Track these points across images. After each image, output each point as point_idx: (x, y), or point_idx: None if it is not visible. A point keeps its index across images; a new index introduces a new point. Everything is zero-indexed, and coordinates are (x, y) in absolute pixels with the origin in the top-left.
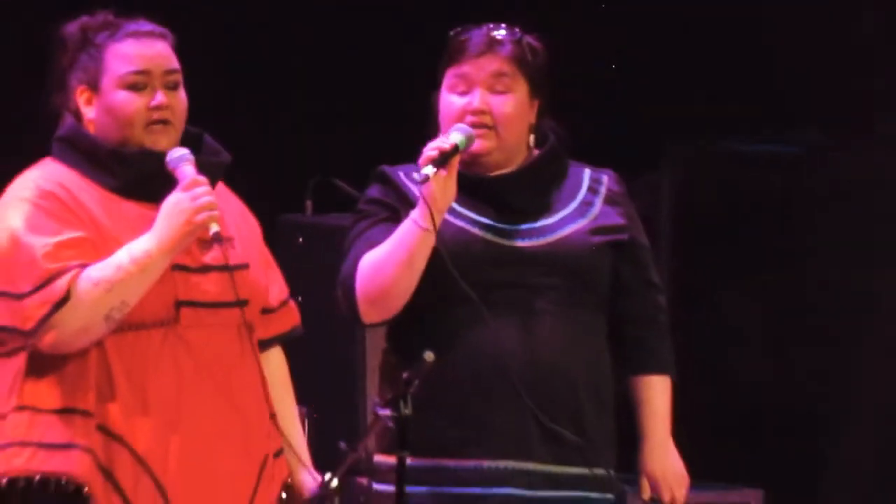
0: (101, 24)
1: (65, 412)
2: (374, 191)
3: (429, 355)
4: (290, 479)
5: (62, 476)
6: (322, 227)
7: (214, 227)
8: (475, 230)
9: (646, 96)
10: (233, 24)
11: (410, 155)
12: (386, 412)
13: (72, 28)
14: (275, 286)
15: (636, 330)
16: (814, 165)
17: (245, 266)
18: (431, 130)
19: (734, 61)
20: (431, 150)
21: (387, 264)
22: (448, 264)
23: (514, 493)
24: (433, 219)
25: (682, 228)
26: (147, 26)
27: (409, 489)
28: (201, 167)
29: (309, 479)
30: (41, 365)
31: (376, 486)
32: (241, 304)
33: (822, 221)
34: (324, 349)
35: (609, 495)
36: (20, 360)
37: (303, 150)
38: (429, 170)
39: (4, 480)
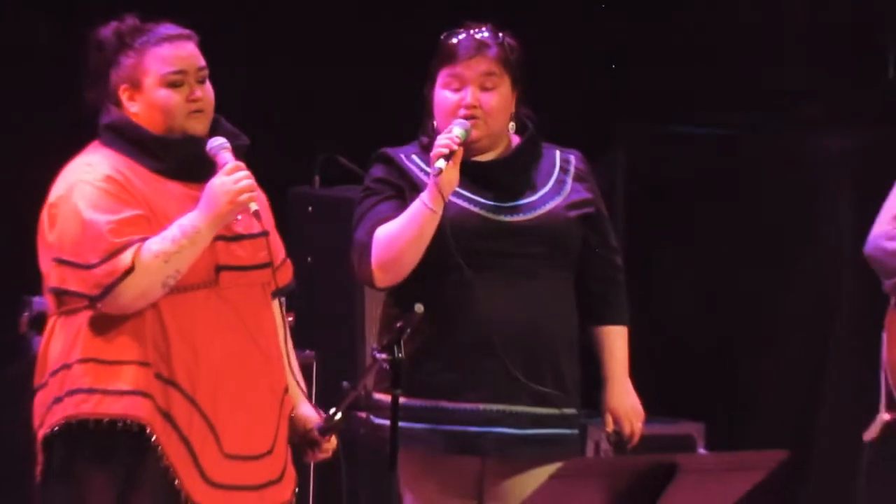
0: (134, 29)
1: (125, 363)
2: (378, 170)
3: (419, 307)
4: (293, 412)
5: (127, 418)
6: (329, 199)
7: (254, 206)
8: (473, 208)
9: (601, 83)
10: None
11: (405, 133)
12: (382, 356)
13: (106, 32)
14: (277, 245)
15: (599, 287)
16: (743, 144)
17: (266, 233)
18: (426, 120)
19: (679, 53)
20: (442, 146)
21: (399, 239)
22: (449, 238)
23: (506, 431)
24: (443, 202)
25: (634, 202)
26: (177, 30)
27: (412, 425)
28: (234, 152)
29: (310, 410)
30: (103, 323)
31: (376, 420)
32: (268, 265)
33: (748, 192)
34: (329, 302)
35: (575, 430)
36: (81, 318)
37: (311, 130)
38: (441, 163)
39: (72, 422)
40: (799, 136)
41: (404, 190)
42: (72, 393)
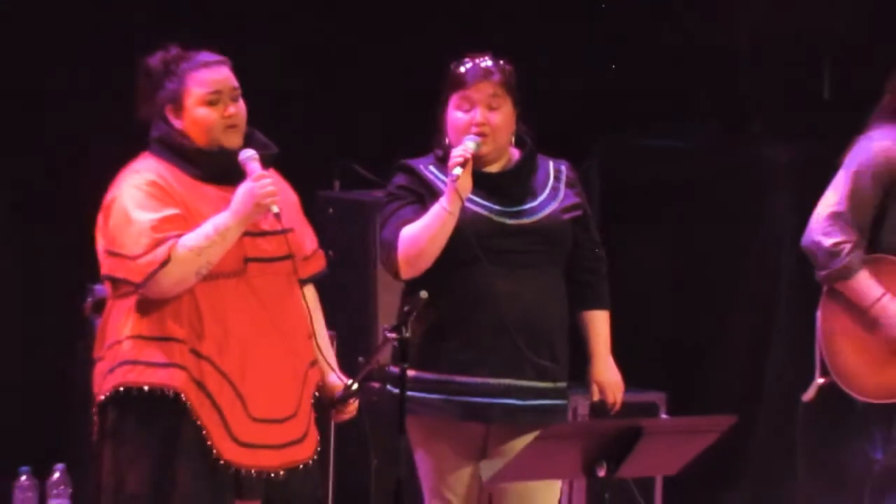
0: (177, 57)
1: (165, 340)
2: (400, 179)
3: (423, 293)
4: (321, 381)
5: (165, 387)
6: (346, 201)
7: (275, 209)
8: (484, 212)
9: (581, 102)
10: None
11: (416, 143)
12: (392, 335)
13: (154, 61)
14: (308, 239)
15: (585, 277)
16: (700, 154)
17: (290, 230)
18: (438, 136)
19: (646, 76)
20: (458, 157)
21: (422, 237)
22: (467, 235)
23: (511, 402)
24: (460, 205)
25: (609, 203)
26: (213, 56)
27: (428, 395)
28: (262, 161)
29: (336, 380)
30: (146, 306)
31: (394, 390)
32: (289, 257)
33: (704, 195)
34: (347, 289)
35: (566, 401)
36: (130, 302)
37: (332, 141)
38: (458, 171)
39: (122, 389)
40: (747, 148)
41: (424, 196)
42: (121, 364)
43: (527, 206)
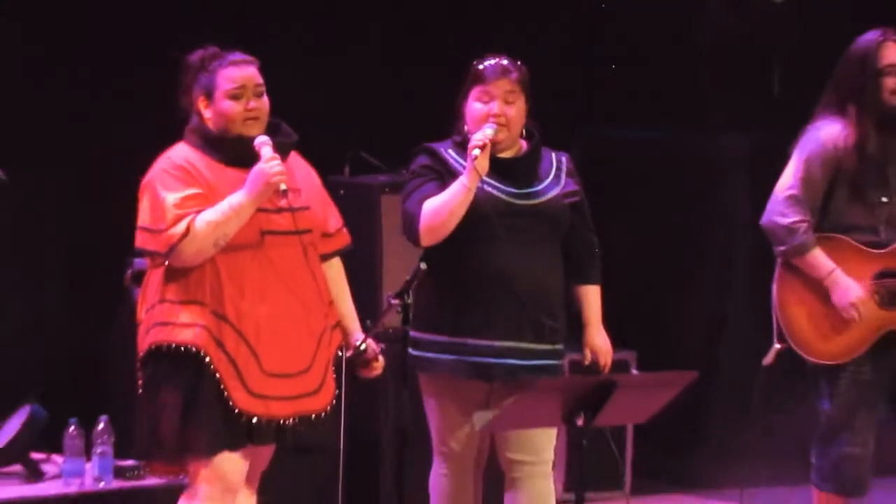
0: (212, 55)
1: (190, 303)
2: (423, 159)
3: (423, 265)
4: (343, 342)
5: (189, 344)
6: (355, 184)
7: (283, 186)
8: (496, 193)
9: (565, 95)
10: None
11: (421, 131)
12: (395, 301)
13: (194, 58)
14: (332, 218)
15: (580, 255)
16: (666, 144)
17: (306, 208)
18: (458, 123)
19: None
20: (478, 140)
21: (442, 210)
22: (482, 212)
23: (514, 362)
24: (477, 182)
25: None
26: (242, 56)
27: (441, 356)
28: (276, 147)
29: (356, 338)
30: (174, 274)
31: (412, 352)
32: (302, 232)
33: (671, 179)
34: (356, 261)
35: (561, 361)
36: (162, 270)
37: (343, 130)
38: (477, 152)
39: (154, 346)
40: (707, 139)
41: (443, 174)
42: (154, 325)
43: (533, 190)
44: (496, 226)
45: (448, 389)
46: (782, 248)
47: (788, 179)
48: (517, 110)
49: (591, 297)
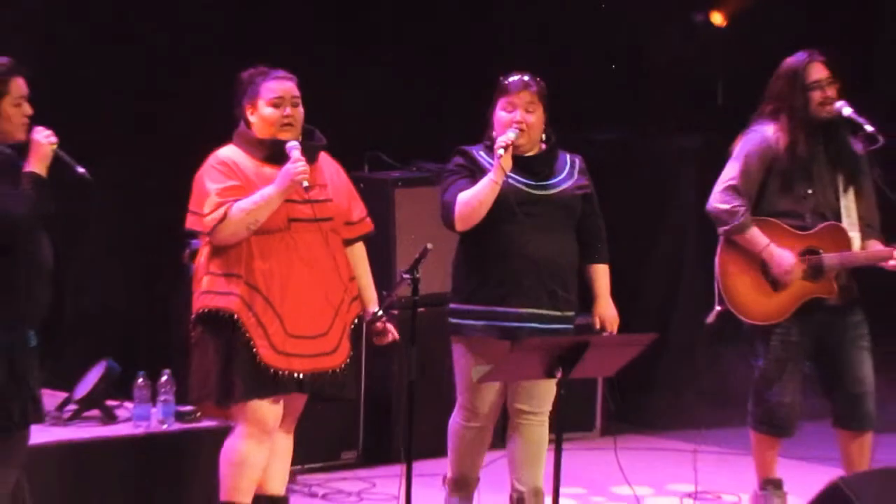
0: (259, 72)
1: (228, 275)
2: (459, 159)
3: (429, 246)
4: (361, 312)
5: (225, 309)
6: (373, 180)
7: (305, 183)
8: (518, 185)
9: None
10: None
11: (428, 136)
12: (407, 276)
13: (245, 74)
14: (356, 209)
15: (591, 239)
16: (625, 145)
17: (329, 200)
18: (488, 130)
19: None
20: (503, 142)
21: (473, 201)
22: (507, 201)
23: (534, 326)
24: (503, 177)
25: None
26: (284, 73)
27: (475, 322)
28: (305, 150)
29: (372, 309)
30: (217, 251)
31: (452, 320)
32: (323, 220)
33: (636, 173)
34: (373, 243)
35: (571, 326)
36: (208, 248)
37: (363, 134)
38: (502, 151)
39: (201, 311)
40: (663, 138)
41: (475, 172)
42: (202, 293)
43: (550, 182)
44: (518, 212)
45: (476, 352)
46: (725, 227)
47: (730, 172)
48: (536, 118)
49: (601, 274)
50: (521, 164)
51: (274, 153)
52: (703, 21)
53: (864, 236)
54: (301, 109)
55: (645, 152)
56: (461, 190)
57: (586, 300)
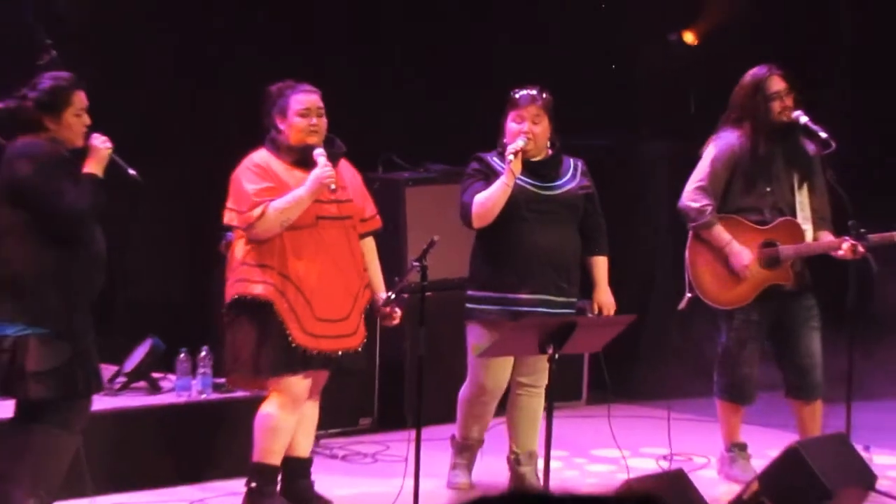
0: (287, 86)
1: (263, 266)
2: (475, 164)
3: (436, 238)
4: (371, 298)
5: (261, 297)
6: (387, 180)
7: (332, 186)
8: (527, 186)
9: None
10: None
11: (438, 141)
12: (416, 264)
13: (274, 88)
14: (368, 207)
15: (592, 233)
16: (613, 148)
17: (349, 200)
18: (500, 138)
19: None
20: (512, 150)
21: (488, 202)
22: (518, 201)
23: (543, 310)
24: (513, 180)
25: None
26: (310, 87)
27: (489, 307)
28: (329, 157)
29: (381, 294)
30: (252, 244)
31: (468, 305)
32: (345, 218)
33: (616, 175)
34: (387, 236)
35: (574, 310)
36: (243, 241)
37: (378, 140)
38: (511, 157)
39: (237, 296)
40: (638, 145)
41: (489, 175)
42: (237, 281)
43: (555, 184)
44: (527, 211)
45: (491, 328)
46: (693, 224)
47: (699, 174)
48: (542, 128)
49: (600, 265)
50: (530, 167)
51: (302, 157)
52: (677, 40)
53: (817, 228)
54: (325, 119)
55: (624, 156)
56: (477, 192)
57: (586, 287)
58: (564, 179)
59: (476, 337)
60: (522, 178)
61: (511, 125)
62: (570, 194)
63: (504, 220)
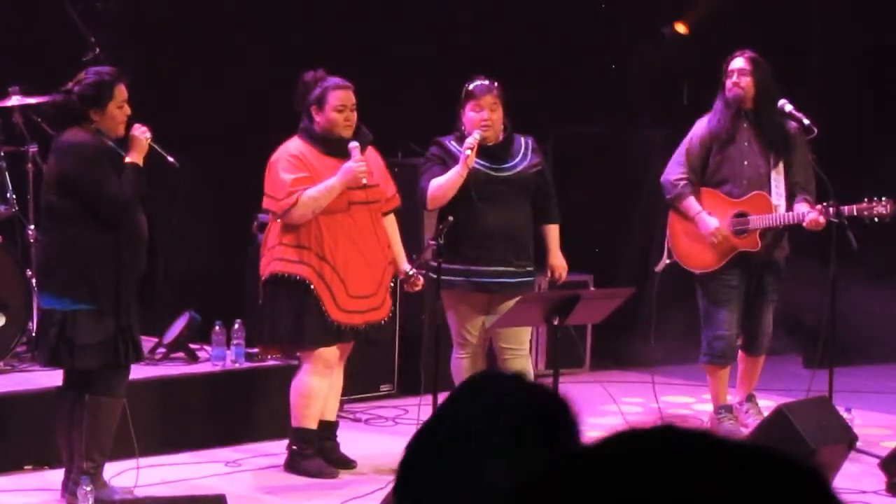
0: (321, 77)
1: (299, 247)
2: (434, 149)
3: (451, 218)
4: (395, 271)
5: (299, 275)
6: (405, 165)
7: (364, 180)
8: (482, 169)
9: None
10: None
11: (449, 129)
12: (432, 242)
13: (308, 77)
14: (390, 187)
15: (543, 204)
16: (613, 134)
17: (376, 185)
18: (458, 123)
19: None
20: (470, 143)
21: (442, 187)
22: (474, 181)
23: (504, 280)
24: (467, 170)
25: (557, 164)
26: (345, 83)
27: (455, 278)
28: (362, 148)
29: (404, 267)
30: (289, 227)
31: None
32: (372, 202)
33: (616, 158)
34: (405, 216)
35: (533, 279)
36: (280, 224)
37: (397, 128)
38: (468, 151)
39: (275, 274)
40: (637, 131)
41: (446, 159)
42: (275, 260)
43: (508, 165)
44: (482, 191)
45: (462, 299)
46: (669, 196)
47: (679, 151)
48: (498, 115)
49: (552, 231)
50: (485, 151)
51: (337, 148)
52: (670, 32)
53: (795, 199)
54: (356, 113)
55: (622, 141)
56: (434, 177)
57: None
58: (516, 160)
59: (449, 304)
60: (478, 161)
61: (470, 114)
62: (521, 174)
63: (456, 202)
